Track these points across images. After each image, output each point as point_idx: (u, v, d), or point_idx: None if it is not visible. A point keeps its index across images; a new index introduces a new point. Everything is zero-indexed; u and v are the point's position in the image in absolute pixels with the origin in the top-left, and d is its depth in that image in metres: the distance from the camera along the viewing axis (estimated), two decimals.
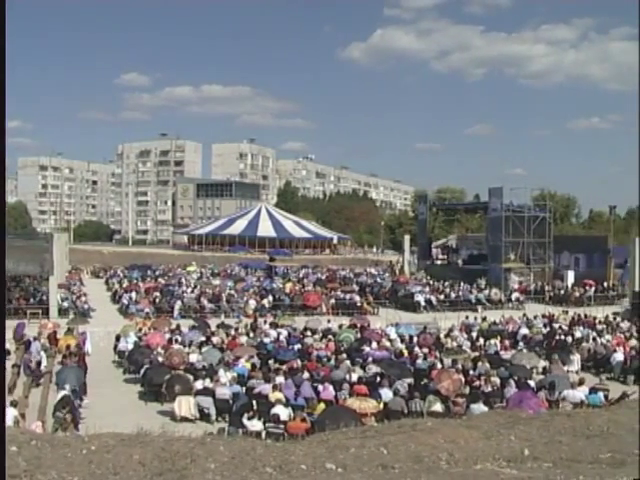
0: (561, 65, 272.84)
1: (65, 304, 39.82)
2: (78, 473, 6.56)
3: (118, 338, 28.85)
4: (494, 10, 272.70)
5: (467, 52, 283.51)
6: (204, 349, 26.22)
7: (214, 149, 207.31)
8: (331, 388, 20.50)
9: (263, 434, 16.48)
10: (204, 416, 20.04)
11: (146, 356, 24.86)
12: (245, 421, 17.44)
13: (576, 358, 28.04)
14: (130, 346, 27.44)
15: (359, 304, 44.01)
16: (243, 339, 28.94)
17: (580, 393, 20.74)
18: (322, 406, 18.65)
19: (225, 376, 21.63)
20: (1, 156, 9.14)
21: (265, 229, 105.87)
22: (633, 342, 30.75)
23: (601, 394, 20.92)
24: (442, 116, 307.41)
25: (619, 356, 28.00)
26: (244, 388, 21.03)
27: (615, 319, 39.09)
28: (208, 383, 21.08)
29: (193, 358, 24.66)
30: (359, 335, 30.71)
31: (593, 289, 51.52)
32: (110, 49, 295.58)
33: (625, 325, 36.52)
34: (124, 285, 50.76)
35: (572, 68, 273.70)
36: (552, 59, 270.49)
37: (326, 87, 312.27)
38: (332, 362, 24.43)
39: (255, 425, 17.14)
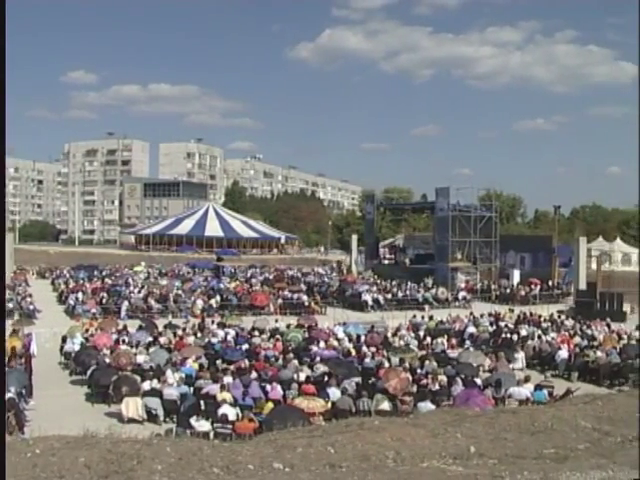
0: (507, 67, 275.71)
1: (10, 305, 39.21)
2: (22, 477, 6.51)
3: (64, 339, 28.51)
4: (442, 12, 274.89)
5: (415, 53, 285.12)
6: (151, 350, 26.03)
7: (161, 148, 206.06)
8: (279, 388, 20.48)
9: (211, 434, 16.42)
10: (152, 417, 19.87)
11: (93, 357, 24.62)
12: (193, 422, 17.35)
13: (521, 356, 28.39)
14: (76, 347, 27.15)
15: (307, 304, 44.07)
16: (190, 339, 28.80)
17: (525, 390, 20.95)
18: (270, 406, 18.61)
19: (172, 377, 21.48)
20: (1, 157, 9.04)
21: (213, 229, 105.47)
22: (577, 339, 31.24)
23: (546, 391, 21.17)
24: (390, 116, 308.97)
25: (563, 353, 28.36)
26: (192, 388, 20.91)
27: (560, 317, 39.59)
28: (155, 384, 20.92)
29: (140, 359, 24.46)
30: (307, 335, 30.70)
31: (538, 288, 52.28)
32: (56, 46, 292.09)
33: (569, 323, 37.06)
34: (70, 285, 50.19)
35: (518, 70, 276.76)
36: (498, 61, 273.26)
37: (274, 87, 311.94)
38: (280, 362, 24.38)
39: (203, 425, 17.06)
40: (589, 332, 33.52)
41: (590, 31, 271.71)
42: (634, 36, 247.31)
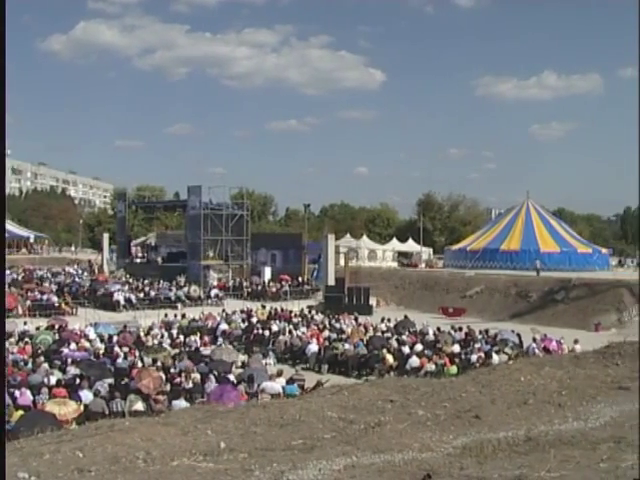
0: (262, 68, 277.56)
1: None
2: None
3: None
4: (200, 10, 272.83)
5: (171, 51, 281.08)
6: None
7: None
8: (28, 393, 19.84)
9: None
10: None
11: None
12: None
13: (273, 351, 29.12)
14: None
15: (57, 304, 42.89)
16: None
17: (278, 385, 21.47)
18: (19, 413, 18.01)
19: None
20: (1, 157, 8.28)
21: None
22: (326, 333, 32.39)
23: (297, 384, 21.81)
24: (144, 114, 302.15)
25: (314, 347, 29.31)
26: None
27: (310, 312, 40.85)
28: None
29: None
30: (57, 336, 29.94)
31: (289, 284, 53.53)
32: None
33: (319, 317, 38.33)
34: None
35: (272, 71, 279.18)
36: (254, 62, 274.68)
37: (24, 80, 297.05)
38: (29, 366, 23.67)
39: None
40: (338, 325, 34.84)
41: (342, 37, 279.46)
42: (383, 44, 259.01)
